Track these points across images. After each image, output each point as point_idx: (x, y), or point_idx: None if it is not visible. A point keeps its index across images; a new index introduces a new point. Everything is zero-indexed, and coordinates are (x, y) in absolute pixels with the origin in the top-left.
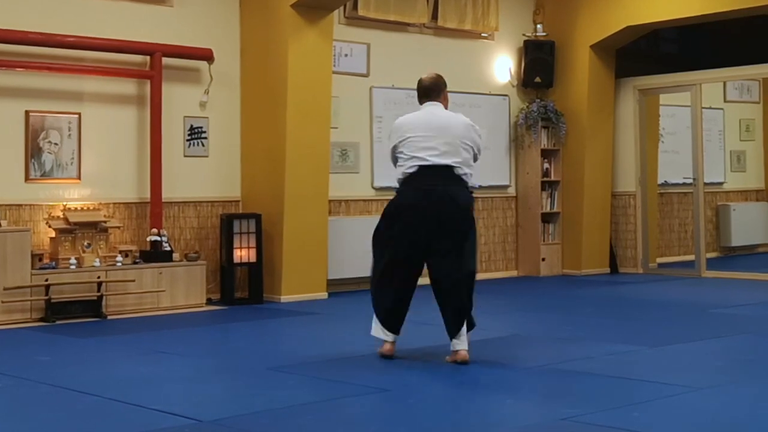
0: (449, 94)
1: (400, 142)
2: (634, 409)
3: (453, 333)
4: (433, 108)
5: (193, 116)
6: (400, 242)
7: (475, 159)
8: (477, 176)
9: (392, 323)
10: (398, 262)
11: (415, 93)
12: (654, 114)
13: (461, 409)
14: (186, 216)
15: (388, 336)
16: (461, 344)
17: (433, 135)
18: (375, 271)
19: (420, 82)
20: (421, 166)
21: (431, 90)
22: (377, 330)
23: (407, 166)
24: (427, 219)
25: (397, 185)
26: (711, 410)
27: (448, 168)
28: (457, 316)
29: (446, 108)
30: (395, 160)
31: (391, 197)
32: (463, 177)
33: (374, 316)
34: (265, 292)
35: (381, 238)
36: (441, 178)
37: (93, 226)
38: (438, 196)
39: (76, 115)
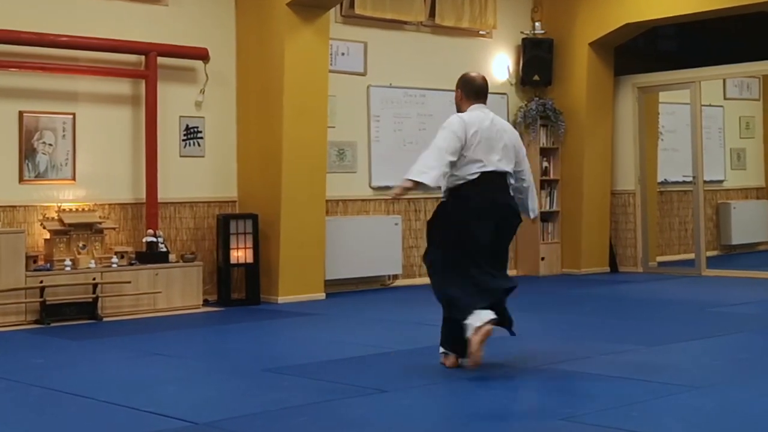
0: (448, 93)
1: (465, 143)
2: (633, 408)
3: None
4: (487, 112)
5: (188, 116)
6: (472, 243)
7: (528, 176)
8: None
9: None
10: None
11: (411, 91)
12: (653, 112)
13: (459, 410)
14: (182, 216)
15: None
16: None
17: (496, 139)
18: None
19: (474, 80)
20: (484, 172)
21: (483, 92)
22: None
23: (471, 171)
24: (491, 226)
25: (446, 187)
26: (710, 409)
27: (506, 175)
28: None
29: None
30: (449, 163)
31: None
32: (510, 185)
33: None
34: (262, 293)
35: (448, 243)
36: (500, 185)
37: (88, 227)
38: (501, 203)
39: (71, 116)
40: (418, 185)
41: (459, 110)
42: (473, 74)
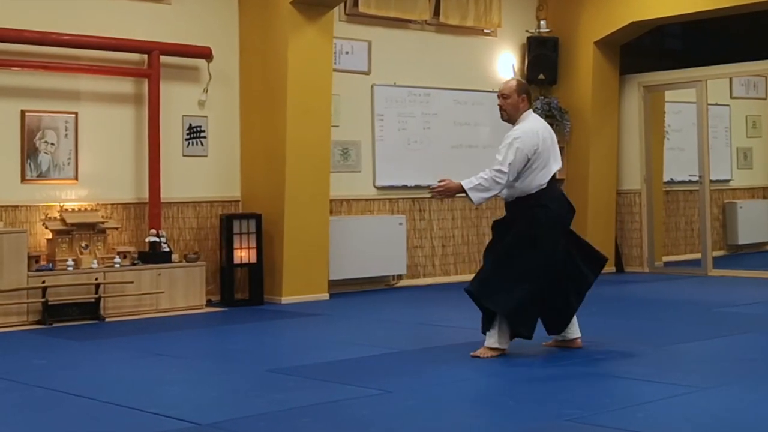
0: (452, 92)
1: (535, 152)
2: (639, 410)
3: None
4: (538, 116)
5: (191, 115)
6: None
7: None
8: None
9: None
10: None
11: (415, 90)
12: (659, 111)
13: (463, 411)
14: (185, 216)
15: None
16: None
17: (551, 146)
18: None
19: (527, 85)
20: (552, 178)
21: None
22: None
23: (542, 178)
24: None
25: (521, 194)
26: (717, 410)
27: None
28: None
29: None
30: (517, 172)
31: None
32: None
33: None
34: (266, 294)
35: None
36: (559, 188)
37: (90, 227)
38: (569, 205)
39: (73, 115)
40: None
41: (512, 117)
42: (521, 79)
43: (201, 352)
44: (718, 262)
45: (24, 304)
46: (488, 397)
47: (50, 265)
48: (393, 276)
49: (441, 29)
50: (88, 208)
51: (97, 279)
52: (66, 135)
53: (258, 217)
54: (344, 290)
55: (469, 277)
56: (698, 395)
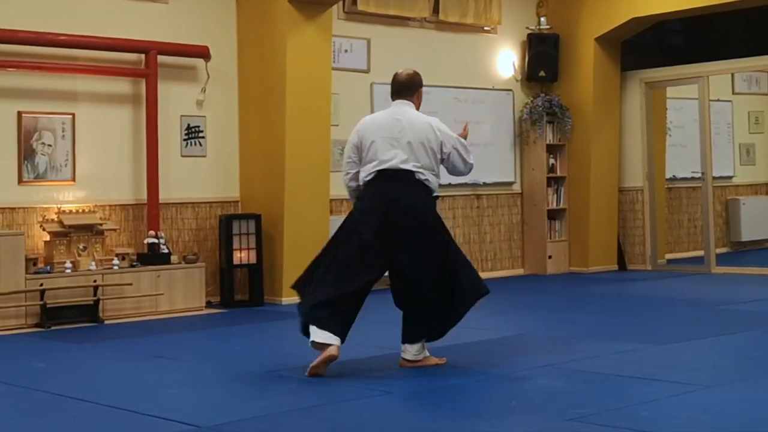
0: (453, 90)
1: (362, 145)
2: (643, 408)
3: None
4: (401, 108)
5: (189, 115)
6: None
7: (466, 158)
8: (482, 172)
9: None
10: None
11: (422, 88)
12: (661, 107)
13: (466, 411)
14: (184, 217)
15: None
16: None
17: (396, 138)
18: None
19: (395, 77)
20: (379, 171)
21: (405, 88)
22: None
23: (368, 173)
24: (389, 229)
25: (351, 194)
26: (721, 409)
27: (409, 173)
28: None
29: (418, 109)
30: (351, 164)
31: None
32: (425, 182)
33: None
34: (266, 294)
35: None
36: (400, 183)
37: (88, 228)
38: (396, 203)
39: (70, 116)
40: None
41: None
42: (399, 71)
43: (201, 354)
44: (721, 260)
45: (22, 307)
46: (491, 397)
47: (48, 267)
48: None
49: (440, 27)
50: (86, 210)
51: (95, 281)
52: (63, 136)
53: (257, 218)
54: None
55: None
56: (702, 394)
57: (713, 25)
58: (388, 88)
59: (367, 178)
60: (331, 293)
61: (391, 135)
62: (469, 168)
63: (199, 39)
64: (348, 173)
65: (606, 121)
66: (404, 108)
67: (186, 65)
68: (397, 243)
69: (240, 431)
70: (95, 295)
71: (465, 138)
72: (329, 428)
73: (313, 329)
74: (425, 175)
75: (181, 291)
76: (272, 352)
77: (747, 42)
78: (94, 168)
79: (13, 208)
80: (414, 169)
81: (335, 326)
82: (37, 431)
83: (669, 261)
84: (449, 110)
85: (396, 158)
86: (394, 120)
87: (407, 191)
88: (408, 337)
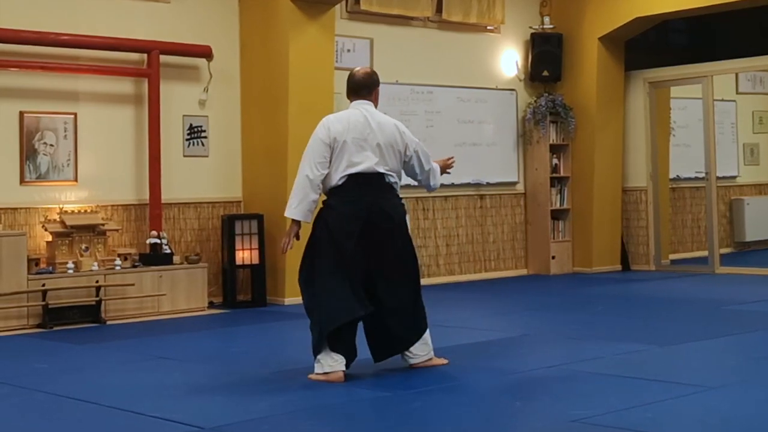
0: (456, 90)
1: (335, 144)
2: (648, 409)
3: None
4: (365, 108)
5: (192, 115)
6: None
7: (425, 162)
8: (485, 172)
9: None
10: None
11: (418, 88)
12: (665, 107)
13: (468, 412)
14: (186, 217)
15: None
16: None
17: (366, 139)
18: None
19: (352, 76)
20: (351, 175)
21: (363, 86)
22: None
23: (339, 176)
24: (369, 235)
25: (314, 197)
26: (726, 410)
27: (380, 176)
28: None
29: (376, 107)
30: (315, 166)
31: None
32: (394, 185)
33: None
34: (269, 295)
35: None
36: (373, 187)
37: (91, 229)
38: (373, 208)
39: (72, 116)
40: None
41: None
42: (356, 70)
43: (203, 354)
44: (725, 260)
45: (24, 308)
46: (494, 397)
47: (50, 267)
48: None
49: (444, 26)
50: (88, 210)
51: (97, 281)
52: (65, 136)
53: (260, 218)
54: None
55: (474, 276)
56: (707, 394)
57: (717, 25)
58: (391, 87)
59: (339, 183)
60: (340, 317)
61: (360, 136)
62: (425, 176)
63: (202, 38)
64: (320, 173)
65: (609, 120)
66: (368, 108)
67: (188, 65)
68: (374, 249)
69: None
70: (97, 295)
71: (447, 168)
72: (330, 429)
73: (324, 356)
74: (394, 178)
75: (184, 291)
76: (275, 353)
77: (751, 42)
78: (96, 168)
79: (15, 209)
80: (385, 172)
81: (343, 349)
82: None
83: (673, 261)
84: (452, 110)
85: (368, 161)
86: (362, 120)
87: (382, 195)
88: (397, 347)
